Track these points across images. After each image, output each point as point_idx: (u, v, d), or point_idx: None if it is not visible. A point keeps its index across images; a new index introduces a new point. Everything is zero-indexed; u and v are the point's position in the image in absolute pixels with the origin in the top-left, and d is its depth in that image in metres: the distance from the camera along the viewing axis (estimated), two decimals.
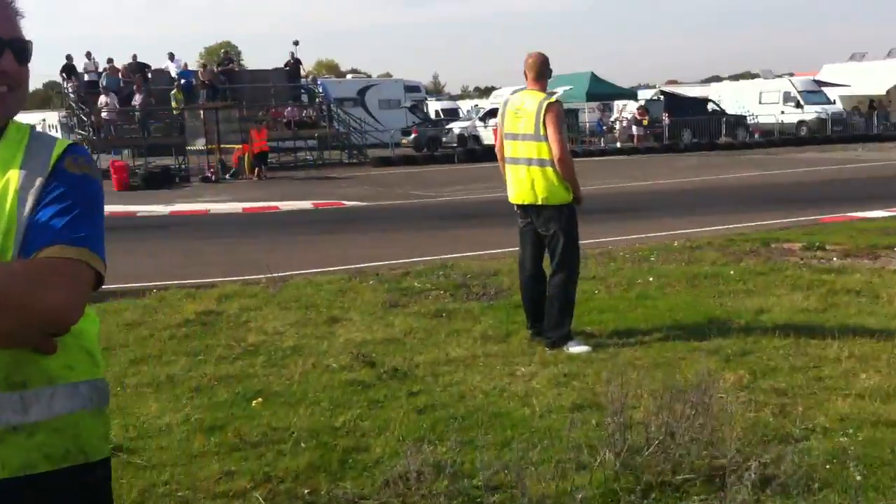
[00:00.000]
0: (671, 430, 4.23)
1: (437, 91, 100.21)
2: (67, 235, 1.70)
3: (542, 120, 6.36)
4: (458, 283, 8.98)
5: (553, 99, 6.49)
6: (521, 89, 6.81)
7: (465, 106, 56.19)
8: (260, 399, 5.31)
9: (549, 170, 6.39)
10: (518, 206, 6.72)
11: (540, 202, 6.48)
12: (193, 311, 7.83)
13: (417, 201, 19.48)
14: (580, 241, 6.74)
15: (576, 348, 6.37)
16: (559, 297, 6.53)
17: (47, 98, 66.86)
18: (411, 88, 52.28)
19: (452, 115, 47.70)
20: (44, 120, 38.54)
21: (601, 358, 6.15)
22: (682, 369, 5.66)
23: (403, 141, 38.44)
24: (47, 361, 1.73)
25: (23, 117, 1.94)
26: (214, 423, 5.05)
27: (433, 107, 52.03)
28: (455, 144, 35.79)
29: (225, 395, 5.59)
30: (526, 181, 6.53)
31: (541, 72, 6.64)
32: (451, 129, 37.57)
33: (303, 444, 4.69)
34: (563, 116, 6.49)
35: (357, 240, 13.61)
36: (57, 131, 39.38)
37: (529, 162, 6.50)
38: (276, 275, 9.92)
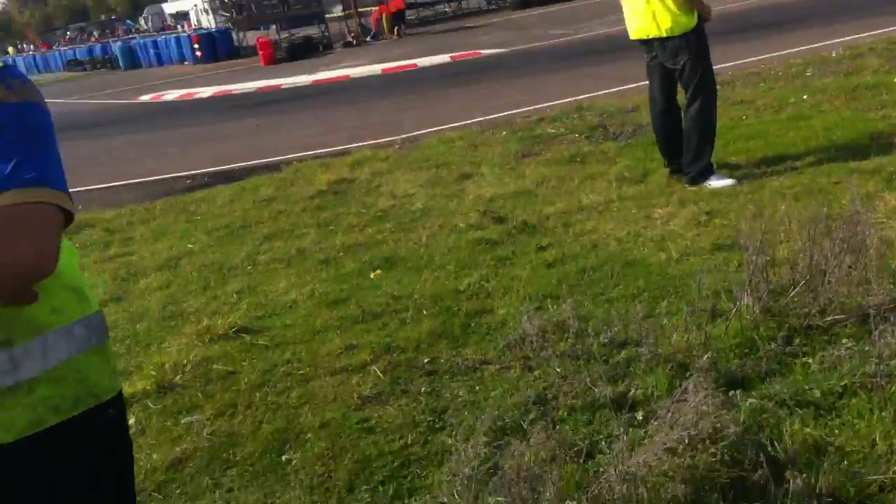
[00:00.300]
0: (820, 267, 3.80)
1: None
2: (20, 177, 1.47)
3: None
4: (593, 124, 8.49)
5: None
6: None
7: None
8: (379, 271, 5.18)
9: None
10: (641, 41, 6.14)
11: (664, 34, 5.88)
12: (326, 181, 7.78)
13: (556, 41, 18.66)
14: (713, 65, 6.09)
15: (718, 182, 5.87)
16: (696, 128, 5.99)
17: None
18: None
19: None
20: (195, 5, 39.23)
21: (746, 191, 5.63)
22: (837, 195, 5.10)
23: None
24: (31, 311, 1.54)
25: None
26: (339, 296, 4.98)
27: None
28: None
29: (352, 265, 5.50)
30: (646, 12, 5.93)
31: None
32: None
33: (424, 312, 4.54)
34: None
35: (492, 89, 13.15)
36: (208, 14, 40.22)
37: None
38: (409, 135, 9.75)
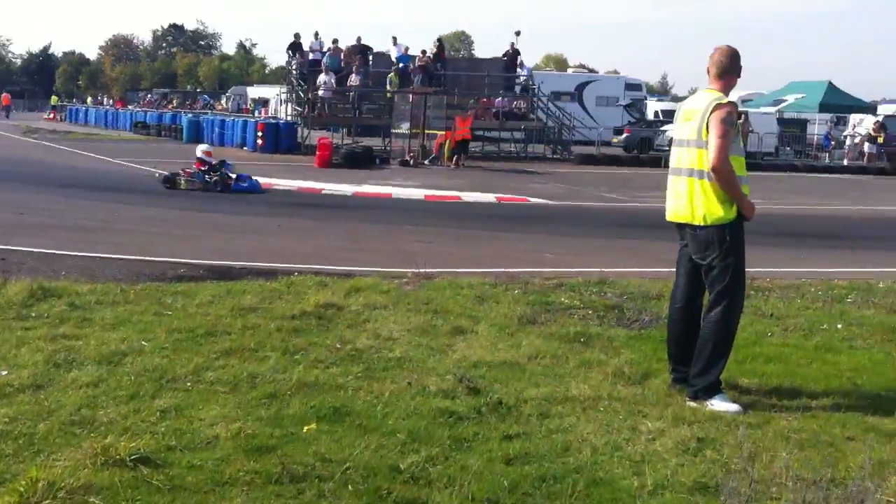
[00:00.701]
0: None
1: (663, 91, 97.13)
2: None
3: (705, 122, 5.26)
4: (611, 303, 7.93)
5: (725, 99, 5.34)
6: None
7: None
8: (314, 425, 4.56)
9: (707, 182, 5.29)
10: (676, 224, 5.65)
11: (696, 221, 5.38)
12: (314, 303, 7.25)
13: (606, 205, 18.39)
14: (745, 270, 5.53)
15: (721, 405, 5.23)
16: (712, 337, 5.39)
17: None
18: (632, 86, 50.71)
19: (672, 117, 45.48)
20: (278, 94, 39.97)
21: (749, 422, 4.97)
22: (847, 455, 4.43)
23: (614, 140, 37.10)
24: None
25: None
26: (266, 442, 4.37)
27: (653, 107, 49.68)
28: (667, 148, 33.88)
29: (297, 407, 4.90)
30: (685, 195, 5.45)
31: (724, 68, 5.47)
32: (665, 132, 35.68)
33: (350, 488, 3.91)
34: (733, 120, 5.29)
35: (524, 240, 12.75)
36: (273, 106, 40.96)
37: (690, 173, 5.42)
38: (422, 270, 9.26)
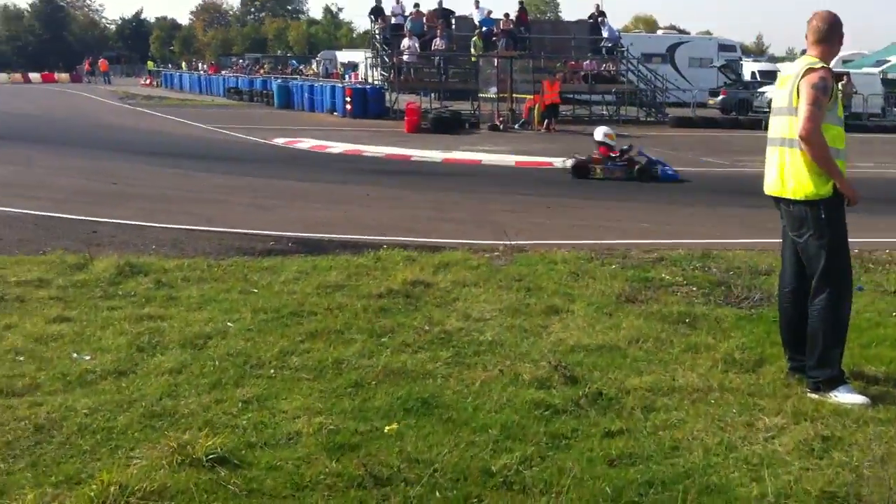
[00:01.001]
0: None
1: (758, 52, 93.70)
2: None
3: (796, 87, 4.75)
4: (717, 279, 7.43)
5: (819, 63, 4.79)
6: None
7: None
8: (395, 425, 4.26)
9: (798, 152, 4.78)
10: (772, 199, 5.15)
11: (788, 195, 4.89)
12: (402, 280, 6.97)
13: (705, 170, 17.59)
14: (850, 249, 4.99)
15: (846, 397, 4.74)
16: (822, 325, 4.87)
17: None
18: (726, 47, 48.87)
19: (770, 77, 43.63)
20: (367, 58, 39.90)
21: (880, 418, 4.50)
22: None
23: (710, 102, 35.89)
24: None
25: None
26: (349, 440, 4.10)
27: (749, 68, 47.63)
28: (767, 110, 32.51)
29: (383, 399, 4.63)
30: (775, 166, 4.97)
31: (823, 35, 4.90)
32: (764, 93, 34.17)
33: (437, 494, 3.62)
34: (826, 86, 4.72)
35: (621, 208, 12.21)
36: (363, 70, 40.88)
37: (782, 142, 4.93)
38: (513, 242, 8.91)
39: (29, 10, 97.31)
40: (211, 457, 3.82)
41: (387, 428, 4.20)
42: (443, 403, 4.60)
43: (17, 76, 65.61)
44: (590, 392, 4.78)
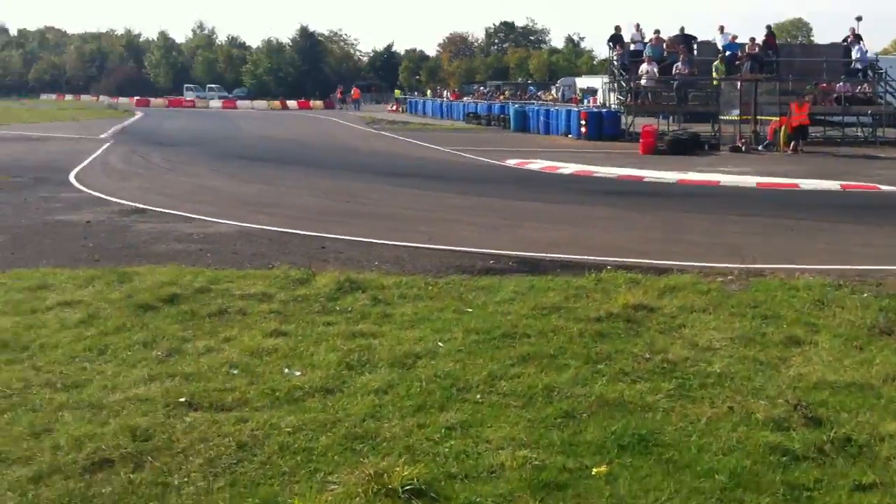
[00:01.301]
0: None
1: None
2: None
3: None
4: None
5: None
6: None
7: None
8: (604, 467, 3.83)
9: None
10: None
11: None
12: (623, 303, 6.52)
13: None
14: None
15: None
16: None
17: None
18: None
19: None
20: (605, 83, 39.77)
21: None
22: None
23: None
24: None
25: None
26: (556, 478, 3.75)
27: None
28: None
29: (594, 433, 4.24)
30: None
31: None
32: None
33: None
34: None
35: (872, 233, 11.03)
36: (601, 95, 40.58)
37: None
38: (749, 266, 8.22)
39: (290, 44, 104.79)
40: (407, 487, 3.60)
41: (595, 470, 3.79)
42: (662, 442, 4.15)
43: (277, 103, 70.97)
44: (836, 437, 4.17)
